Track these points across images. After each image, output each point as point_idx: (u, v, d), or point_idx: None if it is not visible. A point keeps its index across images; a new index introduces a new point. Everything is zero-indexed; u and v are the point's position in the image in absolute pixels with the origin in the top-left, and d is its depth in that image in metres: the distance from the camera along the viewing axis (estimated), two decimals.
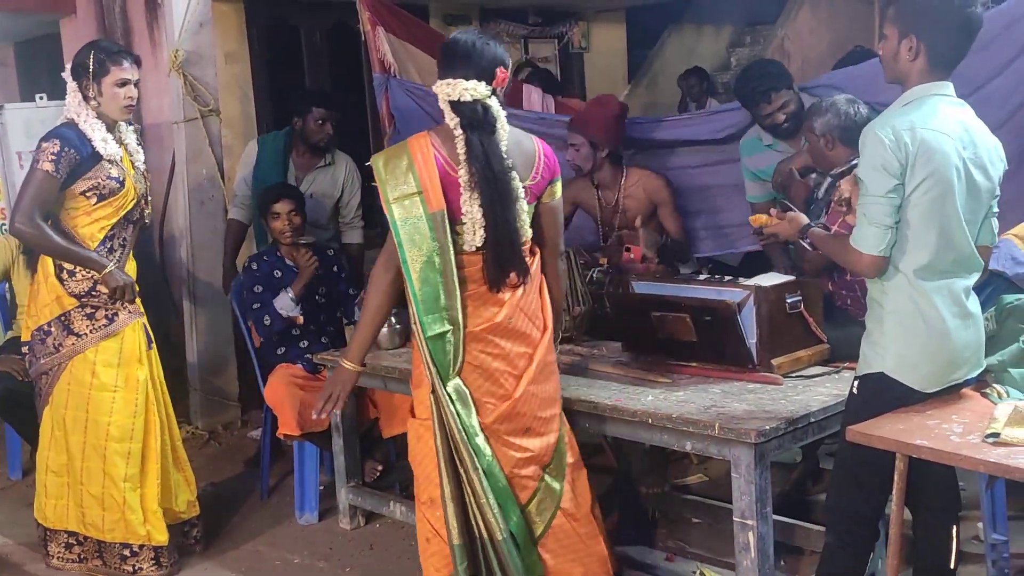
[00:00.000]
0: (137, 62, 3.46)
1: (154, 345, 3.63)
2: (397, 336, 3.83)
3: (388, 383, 3.62)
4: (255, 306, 4.16)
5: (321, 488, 4.12)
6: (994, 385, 2.53)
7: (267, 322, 4.13)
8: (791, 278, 3.22)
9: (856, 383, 2.54)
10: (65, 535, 3.58)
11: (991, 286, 3.04)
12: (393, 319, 3.83)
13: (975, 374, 2.50)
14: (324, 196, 4.66)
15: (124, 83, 3.38)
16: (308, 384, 4.08)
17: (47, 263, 3.43)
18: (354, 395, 3.93)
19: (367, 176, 3.66)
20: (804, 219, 2.70)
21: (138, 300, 3.54)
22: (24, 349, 3.59)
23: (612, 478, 3.90)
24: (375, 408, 4.13)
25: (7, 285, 4.63)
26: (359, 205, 4.75)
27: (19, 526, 4.17)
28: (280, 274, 4.22)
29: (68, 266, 3.39)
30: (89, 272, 3.39)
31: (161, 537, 3.52)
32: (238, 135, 5.56)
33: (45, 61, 6.83)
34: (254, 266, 4.23)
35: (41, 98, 5.13)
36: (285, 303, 4.12)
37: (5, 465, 4.80)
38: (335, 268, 4.33)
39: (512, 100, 4.98)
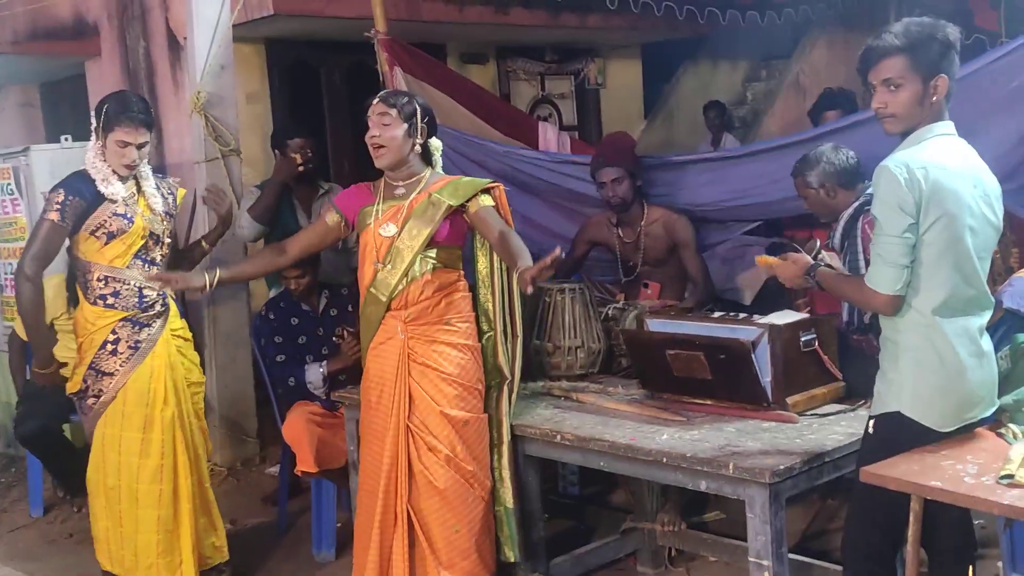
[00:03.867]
0: (148, 125, 3.47)
1: (193, 376, 3.70)
2: None
3: None
4: (278, 358, 4.20)
5: (339, 525, 4.13)
6: (1009, 425, 2.51)
7: (291, 383, 4.17)
8: (805, 316, 3.22)
9: (872, 422, 2.54)
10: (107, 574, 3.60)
11: (1005, 324, 3.03)
12: None
13: (989, 413, 2.50)
14: None
15: (124, 144, 3.42)
16: (326, 421, 4.10)
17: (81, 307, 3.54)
18: None
19: None
20: (808, 259, 2.68)
21: (173, 307, 3.65)
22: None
23: (628, 515, 3.89)
24: None
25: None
26: None
27: (40, 563, 4.20)
28: (297, 320, 4.27)
29: (104, 290, 3.47)
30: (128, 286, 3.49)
31: None
32: (259, 174, 5.65)
33: (71, 102, 6.96)
34: (271, 316, 4.26)
35: (66, 139, 5.22)
36: (315, 378, 4.14)
37: (27, 502, 4.84)
38: (350, 308, 4.36)
39: (528, 139, 5.04)
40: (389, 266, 3.18)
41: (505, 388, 3.27)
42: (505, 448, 3.23)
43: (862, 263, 3.29)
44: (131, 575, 3.52)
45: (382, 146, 3.17)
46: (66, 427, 4.72)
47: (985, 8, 6.50)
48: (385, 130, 3.16)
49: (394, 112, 3.16)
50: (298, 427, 4.01)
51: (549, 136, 5.30)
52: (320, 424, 4.06)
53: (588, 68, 8.10)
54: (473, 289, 3.35)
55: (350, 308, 4.34)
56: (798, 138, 4.01)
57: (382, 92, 3.28)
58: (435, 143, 3.30)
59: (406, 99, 3.23)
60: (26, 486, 4.85)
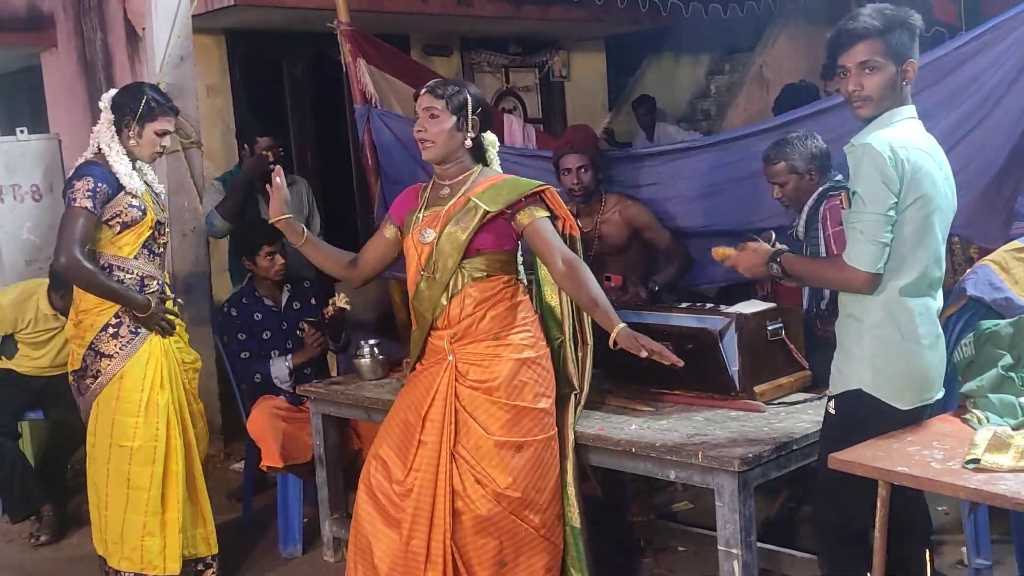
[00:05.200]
0: (176, 113, 3.59)
1: (189, 356, 3.69)
2: (379, 366, 3.83)
3: (372, 414, 3.61)
4: (243, 355, 4.15)
5: (305, 520, 4.09)
6: (973, 411, 2.54)
7: (257, 380, 4.13)
8: (772, 305, 3.24)
9: (832, 402, 2.54)
10: (103, 561, 3.55)
11: (969, 311, 3.07)
12: (376, 349, 3.83)
13: (941, 395, 2.52)
14: (297, 213, 4.78)
15: (164, 133, 3.48)
16: (291, 416, 4.06)
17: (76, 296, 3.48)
18: (337, 426, 3.92)
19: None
20: (768, 247, 2.62)
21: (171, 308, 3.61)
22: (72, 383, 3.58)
23: (598, 506, 3.89)
24: (358, 439, 4.12)
25: None
26: (321, 224, 4.92)
27: (1, 562, 4.12)
28: (260, 316, 4.21)
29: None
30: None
31: (174, 566, 3.48)
32: (220, 167, 5.57)
33: (25, 94, 6.83)
34: (233, 312, 4.20)
35: (22, 131, 5.11)
36: (281, 372, 4.10)
37: None
38: (313, 300, 4.31)
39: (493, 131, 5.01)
40: (432, 276, 2.95)
41: (572, 399, 3.05)
42: (570, 464, 3.00)
43: (823, 250, 3.31)
44: (114, 559, 3.48)
45: (428, 140, 2.93)
46: (24, 425, 4.64)
47: (944, 1, 6.57)
48: (432, 123, 2.91)
49: (441, 104, 2.91)
50: (263, 422, 3.97)
51: (514, 128, 5.28)
52: (285, 419, 4.02)
53: (552, 60, 8.08)
54: (537, 288, 3.12)
55: (313, 301, 4.30)
56: (760, 127, 4.01)
57: (430, 82, 3.00)
58: (490, 138, 3.04)
59: (456, 89, 2.95)
60: None
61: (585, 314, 3.06)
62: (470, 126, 2.94)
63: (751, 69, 8.36)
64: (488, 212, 2.91)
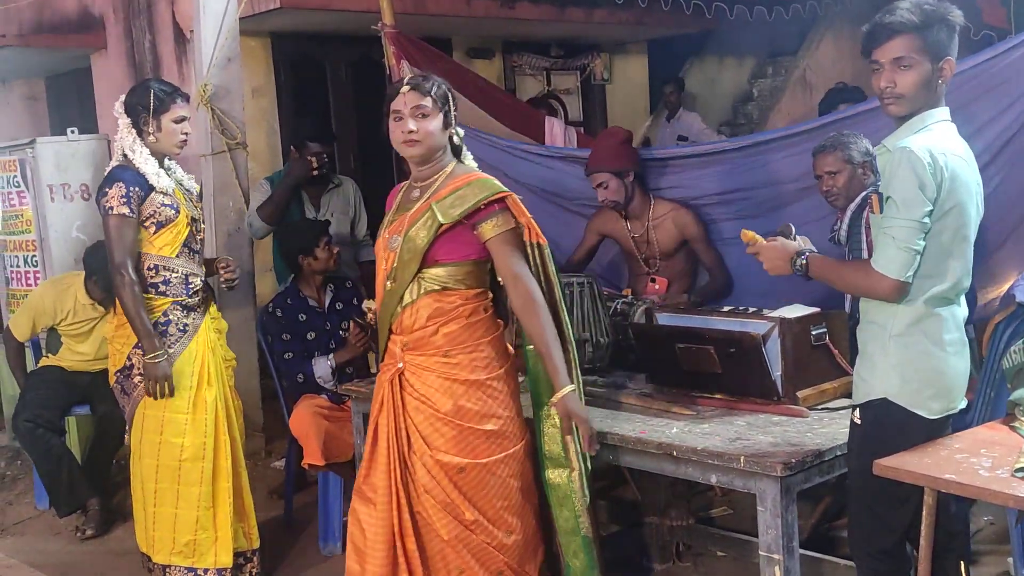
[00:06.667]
0: (188, 99, 3.61)
1: (228, 354, 3.74)
2: None
3: None
4: (287, 355, 4.20)
5: (345, 519, 4.11)
6: (1022, 418, 2.50)
7: (300, 380, 4.17)
8: (816, 310, 3.20)
9: (857, 412, 2.48)
10: (147, 559, 3.62)
11: (1018, 318, 3.01)
12: None
13: (964, 405, 2.46)
14: (342, 215, 4.91)
15: (181, 119, 3.51)
16: (333, 415, 4.10)
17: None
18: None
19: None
20: (794, 246, 2.54)
21: (213, 307, 3.69)
22: (115, 386, 3.63)
23: (636, 510, 3.88)
24: None
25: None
26: (367, 224, 5.01)
27: (47, 555, 4.20)
28: (304, 317, 4.25)
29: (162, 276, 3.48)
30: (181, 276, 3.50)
31: (226, 559, 3.54)
32: (264, 168, 5.65)
33: (75, 95, 6.97)
34: (278, 312, 4.25)
35: (72, 131, 5.22)
36: (324, 372, 4.15)
37: (33, 494, 4.84)
38: (355, 300, 4.35)
39: (534, 133, 5.03)
40: (393, 284, 2.83)
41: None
42: (577, 474, 2.88)
43: (865, 256, 3.27)
44: (162, 554, 3.53)
45: (417, 139, 2.74)
46: (70, 420, 4.73)
47: (994, 4, 6.46)
48: (423, 123, 2.73)
49: (429, 101, 2.72)
50: (305, 420, 4.01)
51: (556, 131, 5.27)
52: (327, 417, 4.05)
53: (594, 63, 8.09)
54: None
55: (355, 301, 4.34)
56: (805, 127, 3.95)
57: (410, 77, 2.80)
58: (458, 131, 2.89)
59: (437, 83, 2.77)
60: (32, 478, 4.84)
61: (562, 317, 2.86)
62: (453, 120, 2.81)
63: (794, 72, 8.31)
64: (443, 224, 2.74)
